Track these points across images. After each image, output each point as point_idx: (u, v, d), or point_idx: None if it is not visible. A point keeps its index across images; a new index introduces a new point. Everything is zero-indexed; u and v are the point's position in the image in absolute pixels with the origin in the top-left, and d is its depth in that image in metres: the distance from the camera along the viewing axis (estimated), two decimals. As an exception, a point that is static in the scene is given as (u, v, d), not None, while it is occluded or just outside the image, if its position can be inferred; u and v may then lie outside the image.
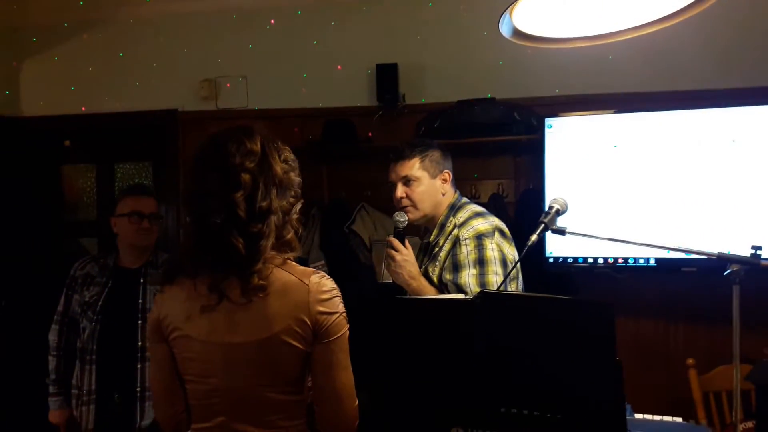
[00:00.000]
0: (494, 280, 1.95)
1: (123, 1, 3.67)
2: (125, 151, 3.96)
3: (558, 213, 1.79)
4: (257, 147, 1.33)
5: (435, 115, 3.27)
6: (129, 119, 3.69)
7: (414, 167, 2.11)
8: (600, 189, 2.99)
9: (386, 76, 3.38)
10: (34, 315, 3.21)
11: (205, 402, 1.37)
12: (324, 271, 3.33)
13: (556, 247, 3.01)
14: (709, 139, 2.89)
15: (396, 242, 2.07)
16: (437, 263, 2.07)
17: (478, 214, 2.08)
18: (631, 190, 2.96)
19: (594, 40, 1.71)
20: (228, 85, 3.66)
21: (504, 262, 2.01)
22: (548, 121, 3.08)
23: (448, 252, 2.04)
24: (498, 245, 2.01)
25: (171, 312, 1.37)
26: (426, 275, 2.08)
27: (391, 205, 3.38)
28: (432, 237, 2.14)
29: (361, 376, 1.42)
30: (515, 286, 2.08)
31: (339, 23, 3.55)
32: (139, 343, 2.43)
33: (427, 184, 2.11)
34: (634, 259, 2.91)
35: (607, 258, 2.95)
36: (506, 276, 1.96)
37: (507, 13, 1.52)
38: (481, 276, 1.96)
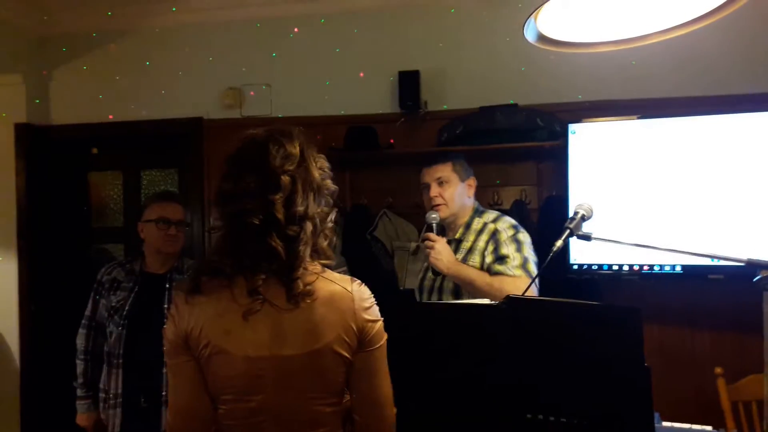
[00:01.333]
0: (531, 257, 2.20)
1: (149, 12, 3.74)
2: (151, 159, 4.02)
3: (583, 219, 1.78)
4: (296, 150, 1.30)
5: (457, 121, 3.27)
6: (155, 127, 3.75)
7: (447, 170, 2.36)
8: (624, 195, 2.96)
9: (408, 82, 3.40)
10: (63, 319, 3.28)
11: (250, 421, 1.27)
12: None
13: (580, 253, 2.98)
14: (735, 145, 2.85)
15: (431, 234, 2.28)
16: (476, 252, 2.27)
17: (503, 214, 2.37)
18: (655, 197, 2.92)
19: (619, 44, 1.70)
20: (252, 93, 3.70)
21: (533, 251, 2.25)
22: (571, 126, 3.07)
23: (487, 241, 2.26)
24: (526, 235, 2.27)
25: (204, 325, 1.26)
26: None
27: (413, 212, 3.45)
28: (458, 234, 2.35)
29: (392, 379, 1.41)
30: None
31: (361, 31, 3.58)
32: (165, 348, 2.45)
33: (458, 186, 2.36)
34: (660, 266, 2.87)
35: (633, 265, 2.91)
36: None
37: (532, 18, 1.52)
38: (519, 251, 2.20)
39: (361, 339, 1.30)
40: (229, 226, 1.29)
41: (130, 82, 3.80)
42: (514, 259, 2.17)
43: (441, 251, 2.22)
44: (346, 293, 1.30)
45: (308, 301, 1.25)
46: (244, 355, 1.24)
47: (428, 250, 2.24)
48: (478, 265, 2.24)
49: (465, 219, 2.36)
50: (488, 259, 2.23)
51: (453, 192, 2.34)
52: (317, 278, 1.28)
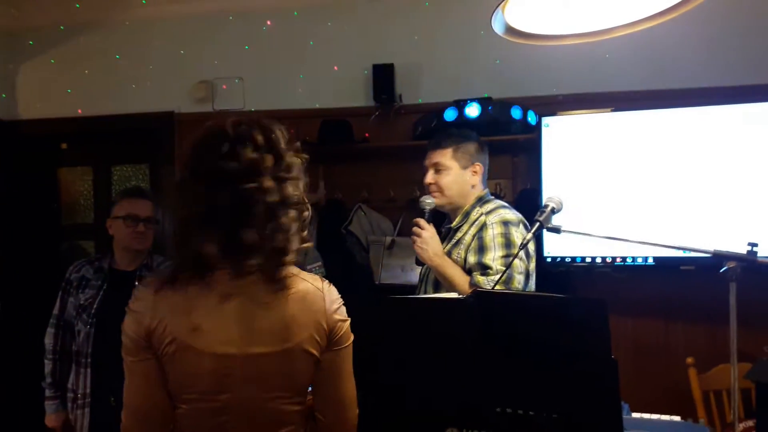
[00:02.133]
0: (518, 264, 2.00)
1: (119, 4, 3.66)
2: (122, 154, 3.96)
3: (553, 211, 1.78)
4: (276, 136, 1.24)
5: (432, 115, 3.26)
6: (125, 121, 3.69)
7: (446, 156, 2.18)
8: (597, 188, 2.98)
9: (382, 76, 3.38)
10: (31, 318, 3.20)
11: (212, 422, 1.23)
12: (321, 273, 3.32)
13: (554, 246, 3.00)
14: (706, 137, 2.88)
15: (422, 221, 2.16)
16: (461, 246, 2.13)
17: (505, 207, 2.17)
18: (628, 189, 2.95)
19: (587, 37, 1.70)
20: (224, 86, 3.65)
21: (527, 252, 2.05)
22: (545, 120, 3.07)
23: (474, 236, 2.10)
24: (522, 235, 2.06)
25: (170, 321, 1.20)
26: (449, 257, 2.15)
27: (388, 206, 3.44)
28: (455, 223, 2.21)
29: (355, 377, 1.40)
30: (532, 282, 2.11)
31: (335, 24, 3.55)
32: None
33: (456, 173, 2.18)
34: (633, 258, 2.90)
35: (606, 257, 2.93)
36: (510, 260, 1.98)
37: (499, 9, 1.51)
38: (507, 258, 2.01)
39: (330, 338, 1.28)
40: (217, 209, 1.19)
41: (99, 76, 3.73)
42: (497, 271, 2.00)
43: (427, 241, 2.12)
44: (318, 292, 1.28)
45: (285, 295, 1.22)
46: (211, 353, 1.19)
47: (414, 236, 2.15)
48: (461, 259, 2.12)
49: (466, 207, 2.19)
50: (471, 258, 2.08)
51: (449, 180, 2.17)
52: (293, 275, 1.26)
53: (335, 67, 3.54)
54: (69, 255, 3.88)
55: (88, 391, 2.40)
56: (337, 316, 1.29)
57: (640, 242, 1.71)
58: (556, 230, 1.72)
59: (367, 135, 3.41)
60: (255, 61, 3.62)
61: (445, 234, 2.26)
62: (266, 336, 1.22)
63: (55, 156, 3.99)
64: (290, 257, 1.23)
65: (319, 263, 3.28)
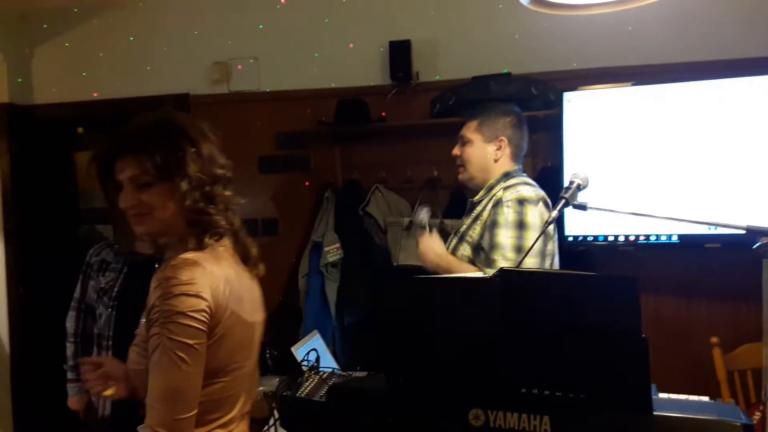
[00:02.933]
0: (530, 245, 1.94)
1: (132, -15, 3.64)
2: (138, 137, 3.94)
3: (579, 188, 1.73)
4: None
5: (450, 92, 3.21)
6: (141, 104, 3.66)
7: (470, 129, 2.19)
8: (620, 164, 2.92)
9: (399, 53, 3.32)
10: (52, 301, 3.23)
11: (239, 389, 1.33)
12: (338, 254, 3.30)
13: (575, 225, 2.94)
14: (733, 110, 2.79)
15: (418, 235, 2.24)
16: (479, 223, 2.11)
17: (527, 183, 2.13)
18: (652, 165, 2.88)
19: (617, 5, 1.64)
20: (239, 67, 3.62)
21: (544, 231, 1.96)
22: (566, 95, 3.01)
23: (490, 212, 2.07)
24: (540, 214, 2.02)
25: (225, 294, 1.25)
26: (463, 237, 2.17)
27: (406, 187, 3.39)
28: (477, 197, 2.19)
29: (378, 358, 1.40)
30: (549, 263, 2.07)
31: (350, 1, 3.48)
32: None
33: (478, 146, 2.17)
34: (657, 236, 2.84)
35: (629, 235, 2.87)
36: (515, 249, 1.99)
37: (523, -22, 1.46)
38: (519, 239, 1.98)
39: None
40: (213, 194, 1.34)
41: (114, 58, 3.71)
42: (505, 257, 1.97)
43: (427, 247, 2.16)
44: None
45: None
46: (252, 321, 1.34)
47: (419, 237, 2.22)
48: (475, 239, 2.10)
49: (491, 182, 2.16)
50: (485, 236, 2.06)
51: (471, 153, 2.16)
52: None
53: (351, 45, 3.49)
54: (87, 239, 3.89)
55: None
56: None
57: (669, 218, 1.66)
58: (582, 207, 1.67)
59: (383, 114, 3.37)
60: (270, 40, 3.57)
61: (468, 209, 2.24)
62: (259, 304, 1.40)
63: (71, 140, 4.00)
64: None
65: (337, 245, 3.28)
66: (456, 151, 2.21)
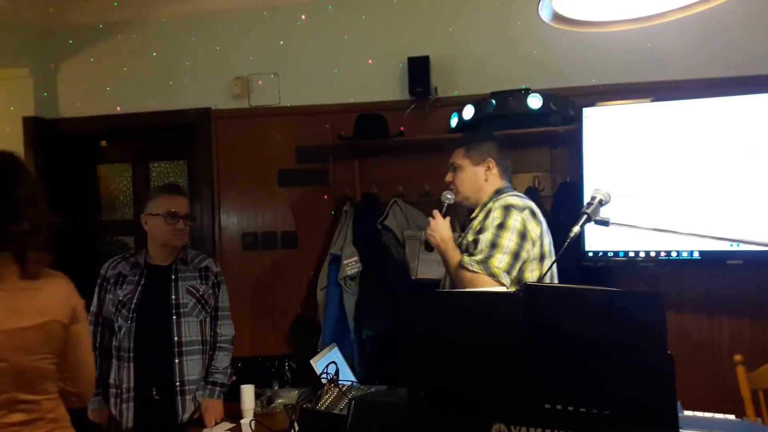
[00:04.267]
0: (505, 243, 2.10)
1: (155, 2, 3.70)
2: (160, 150, 4.01)
3: (601, 203, 1.74)
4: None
5: (468, 107, 3.21)
6: (163, 118, 3.73)
7: (459, 156, 2.35)
8: (640, 180, 2.91)
9: (418, 69, 3.35)
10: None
11: None
12: (357, 268, 3.31)
13: (595, 240, 2.93)
14: (752, 126, 2.77)
15: (435, 212, 2.31)
16: (470, 231, 2.26)
17: (516, 195, 2.28)
18: (672, 181, 2.86)
19: (637, 23, 1.65)
20: (260, 82, 3.66)
21: (523, 235, 2.13)
22: (585, 111, 3.01)
23: (481, 221, 2.23)
24: (524, 219, 2.15)
25: None
26: (459, 246, 2.28)
27: (423, 201, 3.42)
28: (474, 214, 2.35)
29: (399, 372, 1.39)
30: (537, 268, 2.16)
31: (369, 17, 3.53)
32: (175, 338, 2.45)
33: (468, 171, 2.33)
34: (677, 252, 2.82)
35: (649, 251, 2.86)
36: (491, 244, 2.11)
37: (546, -4, 1.47)
38: (496, 237, 2.12)
39: (76, 314, 1.74)
40: None
41: (137, 73, 3.78)
42: (481, 251, 2.11)
43: (434, 228, 2.26)
44: (63, 278, 1.81)
45: (37, 280, 1.66)
46: None
47: (428, 223, 2.31)
48: (464, 245, 2.24)
49: (484, 200, 2.32)
50: (469, 237, 2.22)
51: (463, 177, 2.34)
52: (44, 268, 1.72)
53: (370, 61, 3.52)
54: (109, 251, 3.94)
55: (131, 385, 2.44)
56: (78, 297, 1.80)
57: (691, 235, 1.65)
58: (604, 223, 1.67)
59: (402, 129, 3.39)
60: (290, 56, 3.62)
61: (467, 224, 2.38)
62: (30, 312, 1.62)
63: (94, 153, 4.06)
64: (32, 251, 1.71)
65: (355, 258, 3.29)
66: (448, 177, 2.37)
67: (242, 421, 2.21)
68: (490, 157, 2.33)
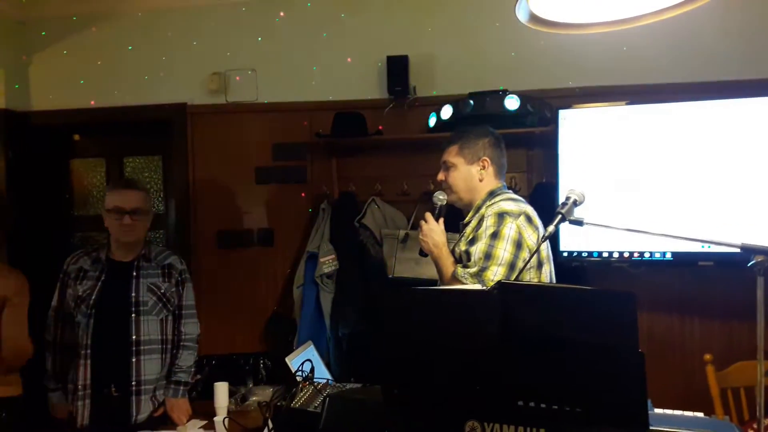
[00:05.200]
0: (500, 254, 2.00)
1: (132, -6, 3.65)
2: (135, 145, 3.94)
3: (575, 204, 1.76)
4: None
5: (446, 107, 3.23)
6: (138, 113, 3.67)
7: (452, 154, 2.22)
8: (614, 182, 2.95)
9: (397, 68, 3.34)
10: (43, 309, 3.20)
11: None
12: (334, 265, 3.30)
13: (569, 241, 2.96)
14: (725, 130, 2.83)
15: (428, 215, 2.23)
16: (464, 240, 2.14)
17: (511, 199, 2.15)
18: (646, 183, 2.91)
19: (612, 25, 1.67)
20: (237, 78, 3.63)
21: (519, 244, 2.03)
22: (562, 113, 3.04)
23: (474, 228, 2.12)
24: (519, 227, 2.04)
25: None
26: (453, 252, 2.19)
27: (401, 200, 3.43)
28: (467, 219, 2.23)
29: (374, 370, 1.39)
30: (535, 276, 2.08)
31: (349, 15, 3.52)
32: (133, 337, 2.42)
33: (462, 170, 2.21)
34: (650, 253, 2.86)
35: (623, 252, 2.90)
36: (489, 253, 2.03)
37: (524, -4, 1.48)
38: (490, 247, 2.02)
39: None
40: None
41: (112, 67, 3.71)
42: (475, 263, 2.02)
43: (427, 233, 2.18)
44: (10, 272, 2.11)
45: None
46: None
47: (420, 227, 2.22)
48: (458, 254, 2.14)
49: (477, 202, 2.19)
50: (462, 247, 2.12)
51: (456, 176, 2.21)
52: None
53: (349, 59, 3.51)
54: (81, 246, 3.87)
55: (88, 382, 2.40)
56: None
57: (664, 235, 1.68)
58: (578, 223, 1.69)
59: (381, 127, 3.39)
60: (268, 52, 3.59)
61: (460, 230, 2.26)
62: None
63: (67, 147, 3.99)
64: None
65: (332, 256, 3.28)
66: (440, 176, 2.26)
67: (215, 418, 2.19)
68: (485, 155, 2.21)
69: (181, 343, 2.55)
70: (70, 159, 4.00)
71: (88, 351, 2.41)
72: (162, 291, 2.50)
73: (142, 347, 2.43)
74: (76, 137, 4.02)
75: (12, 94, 3.71)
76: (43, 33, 3.77)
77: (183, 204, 3.66)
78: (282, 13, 3.57)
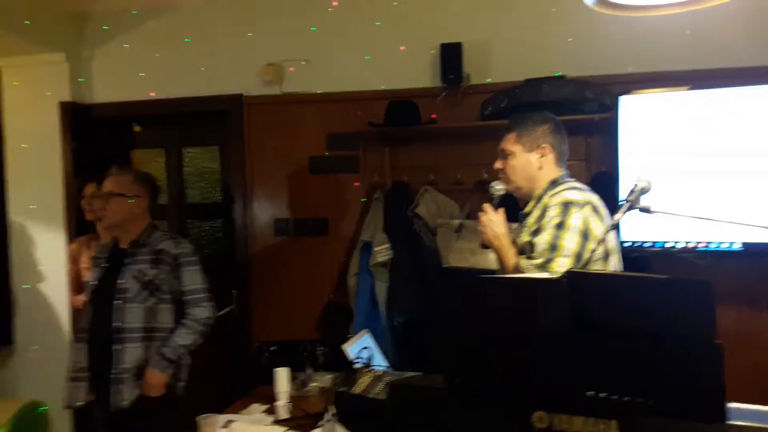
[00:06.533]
0: (566, 245, 1.93)
1: (188, -12, 3.72)
2: (193, 136, 4.03)
3: (643, 192, 1.71)
4: None
5: (501, 94, 3.19)
6: (196, 104, 3.75)
7: (510, 141, 2.15)
8: (677, 169, 2.85)
9: (450, 55, 3.32)
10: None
11: None
12: (389, 255, 3.30)
13: (632, 230, 2.88)
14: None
15: (486, 206, 2.15)
16: (525, 230, 2.09)
17: (575, 188, 2.07)
18: (710, 171, 2.80)
19: (684, 6, 1.61)
20: (291, 69, 3.67)
21: (585, 234, 1.95)
22: (622, 99, 2.96)
23: (537, 218, 2.05)
24: (585, 217, 1.97)
25: None
26: (514, 243, 2.12)
27: (454, 189, 3.40)
28: (528, 208, 2.16)
29: (431, 358, 1.39)
30: (602, 267, 2.01)
31: (402, 3, 3.49)
32: (114, 324, 2.41)
33: (521, 158, 2.14)
34: (717, 243, 2.76)
35: (688, 242, 2.80)
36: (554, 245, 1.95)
37: (593, -22, 1.44)
38: (555, 238, 1.95)
39: None
40: None
41: (170, 59, 3.80)
42: (540, 255, 1.96)
43: (486, 224, 2.11)
44: None
45: None
46: None
47: (479, 218, 2.15)
48: (519, 245, 2.09)
49: (538, 192, 2.12)
50: (524, 236, 2.06)
51: (514, 164, 2.14)
52: None
53: (402, 48, 3.50)
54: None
55: (83, 365, 2.48)
56: None
57: (737, 224, 1.62)
58: (646, 210, 1.65)
59: (434, 116, 3.37)
60: (321, 43, 3.61)
61: (521, 220, 2.20)
62: None
63: (128, 138, 4.11)
64: None
65: (387, 245, 3.29)
66: (498, 164, 2.19)
67: (277, 402, 2.24)
68: (545, 142, 2.13)
69: (181, 321, 2.50)
70: (131, 149, 4.12)
71: (84, 335, 2.51)
72: (147, 277, 2.45)
73: (125, 335, 2.40)
74: (137, 128, 4.14)
75: (76, 87, 3.86)
76: (105, 27, 3.89)
77: (240, 193, 3.73)
78: (335, 3, 3.58)
